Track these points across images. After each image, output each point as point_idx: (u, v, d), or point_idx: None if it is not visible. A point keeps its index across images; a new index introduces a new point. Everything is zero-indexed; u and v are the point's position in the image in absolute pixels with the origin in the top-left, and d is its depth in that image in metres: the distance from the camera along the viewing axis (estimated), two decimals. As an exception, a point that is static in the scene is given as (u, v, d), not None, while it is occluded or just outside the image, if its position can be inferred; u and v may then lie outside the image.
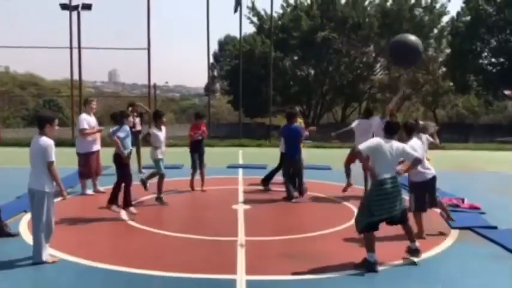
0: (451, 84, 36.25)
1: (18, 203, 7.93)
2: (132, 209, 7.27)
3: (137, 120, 11.56)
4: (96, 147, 9.07)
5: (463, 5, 34.10)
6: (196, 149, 9.38)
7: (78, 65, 20.63)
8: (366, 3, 37.06)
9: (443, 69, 37.16)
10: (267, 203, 8.45)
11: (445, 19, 36.48)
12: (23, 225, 6.69)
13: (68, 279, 4.79)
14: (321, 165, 13.10)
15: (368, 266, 5.02)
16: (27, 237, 6.15)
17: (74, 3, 20.71)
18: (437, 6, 36.29)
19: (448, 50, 36.14)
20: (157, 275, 4.85)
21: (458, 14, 34.74)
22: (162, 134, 8.30)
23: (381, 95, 40.04)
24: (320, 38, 34.57)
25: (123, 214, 7.38)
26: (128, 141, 7.46)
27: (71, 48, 20.32)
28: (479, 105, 43.44)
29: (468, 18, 33.62)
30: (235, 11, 24.68)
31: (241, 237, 6.23)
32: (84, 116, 9.03)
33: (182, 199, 8.96)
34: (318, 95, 39.68)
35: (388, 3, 36.54)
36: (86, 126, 8.85)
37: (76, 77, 21.32)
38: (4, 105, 32.78)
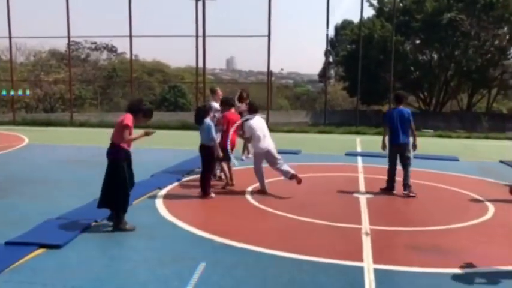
0: None
1: (153, 181, 8.66)
2: (212, 194, 7.62)
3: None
4: None
5: None
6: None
7: (203, 53, 21.66)
8: (501, -20, 33.78)
9: None
10: (390, 192, 8.17)
11: None
12: (159, 201, 7.28)
13: (202, 252, 5.12)
14: (448, 156, 12.35)
15: None
16: (163, 211, 6.70)
17: (200, -7, 21.71)
18: None
19: None
20: (285, 256, 4.97)
21: None
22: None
23: (514, 81, 36.49)
24: (446, 20, 32.30)
25: (250, 197, 7.69)
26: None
27: (196, 36, 21.37)
28: None
29: None
30: None
31: (366, 226, 6.13)
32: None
33: (303, 185, 9.02)
34: (442, 81, 37.27)
35: (528, -21, 32.91)
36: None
37: (200, 64, 22.43)
38: (134, 90, 35.69)
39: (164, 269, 4.62)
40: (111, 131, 5.96)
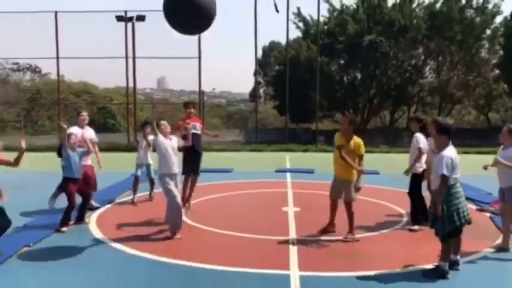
0: (505, 86, 35.15)
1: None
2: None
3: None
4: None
5: (517, 5, 33.10)
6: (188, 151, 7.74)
7: (133, 74, 21.60)
8: (414, 5, 36.58)
9: (497, 71, 36.06)
10: (316, 205, 8.70)
11: (499, 19, 35.43)
12: (92, 223, 7.31)
13: (137, 269, 5.26)
14: (369, 170, 13.17)
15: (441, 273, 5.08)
16: (96, 232, 6.74)
17: (129, 15, 21.76)
18: (490, 6, 35.27)
19: (501, 52, 35.05)
20: (218, 269, 5.24)
21: (512, 13, 33.68)
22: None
23: (431, 99, 39.29)
24: (367, 42, 34.40)
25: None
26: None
27: (126, 58, 21.32)
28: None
29: (523, 17, 32.57)
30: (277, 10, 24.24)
31: (293, 237, 6.56)
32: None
33: (235, 200, 9.36)
34: (365, 99, 39.40)
35: (438, 5, 35.90)
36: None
37: (130, 85, 22.32)
38: (61, 112, 34.42)
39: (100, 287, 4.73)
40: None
